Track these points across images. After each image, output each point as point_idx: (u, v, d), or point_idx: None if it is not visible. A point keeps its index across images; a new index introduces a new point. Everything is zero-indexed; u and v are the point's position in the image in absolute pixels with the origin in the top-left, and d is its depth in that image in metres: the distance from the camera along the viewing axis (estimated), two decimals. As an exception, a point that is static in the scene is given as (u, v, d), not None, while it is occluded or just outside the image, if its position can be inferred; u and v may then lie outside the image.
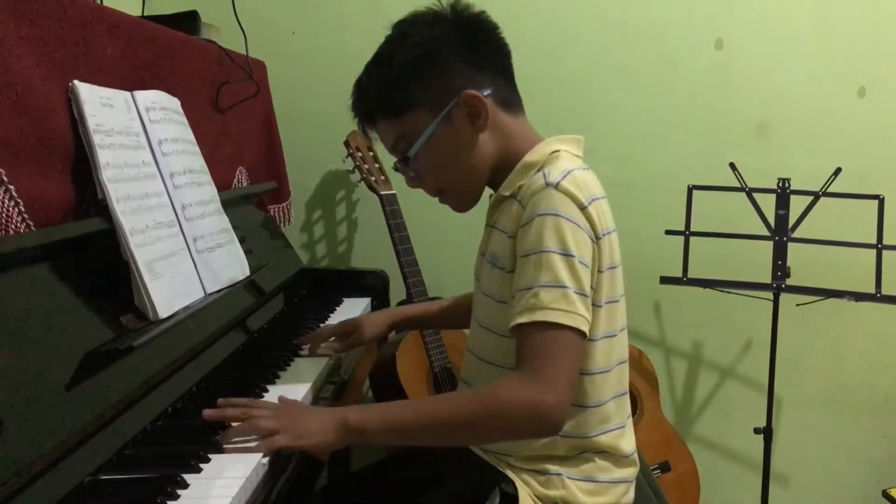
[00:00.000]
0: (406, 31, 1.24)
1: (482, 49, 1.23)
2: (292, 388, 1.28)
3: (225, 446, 1.06)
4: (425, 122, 1.21)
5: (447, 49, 1.20)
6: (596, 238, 1.14)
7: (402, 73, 1.20)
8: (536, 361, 1.08)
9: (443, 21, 1.23)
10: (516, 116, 1.26)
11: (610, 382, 1.22)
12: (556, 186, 1.12)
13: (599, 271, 1.16)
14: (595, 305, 1.16)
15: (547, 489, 1.20)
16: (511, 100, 1.25)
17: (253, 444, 1.06)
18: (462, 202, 1.29)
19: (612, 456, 1.23)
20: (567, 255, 1.10)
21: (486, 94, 1.20)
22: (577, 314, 1.09)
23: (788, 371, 2.32)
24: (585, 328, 1.10)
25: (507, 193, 1.22)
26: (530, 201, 1.14)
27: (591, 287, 1.14)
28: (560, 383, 1.07)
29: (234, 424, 1.10)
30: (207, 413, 1.11)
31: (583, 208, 1.12)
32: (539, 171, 1.18)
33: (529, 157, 1.21)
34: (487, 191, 1.30)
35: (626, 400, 1.27)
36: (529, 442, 1.21)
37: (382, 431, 1.12)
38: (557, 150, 1.21)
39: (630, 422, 1.29)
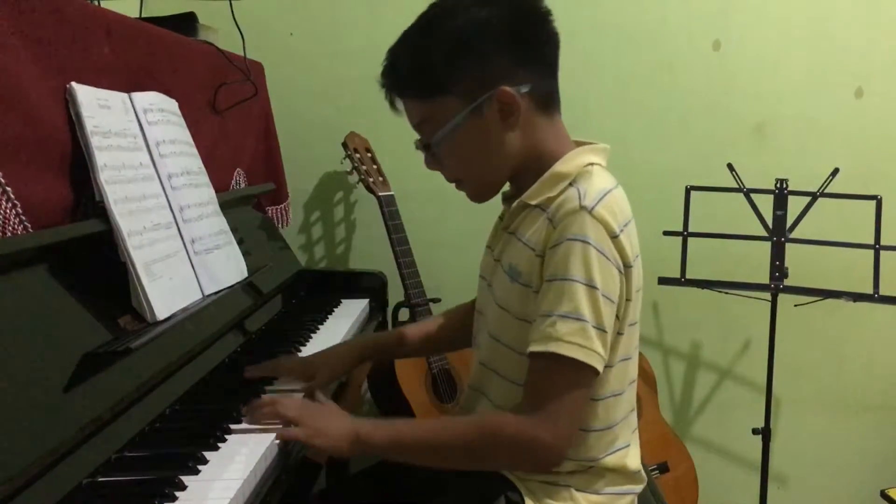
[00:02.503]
0: (453, 6, 1.14)
1: (529, 41, 1.14)
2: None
3: (244, 421, 1.14)
4: (454, 109, 1.13)
5: (491, 37, 1.12)
6: (626, 267, 1.10)
7: (439, 55, 1.12)
8: (542, 396, 1.08)
9: (493, 3, 1.13)
10: (551, 117, 1.18)
11: (621, 405, 1.19)
12: (591, 211, 1.07)
13: (627, 299, 1.12)
14: (618, 333, 1.13)
15: (554, 500, 1.18)
16: (549, 99, 1.17)
17: (271, 427, 1.12)
18: (478, 194, 1.23)
19: (621, 473, 1.22)
20: (591, 286, 1.06)
21: (523, 91, 1.12)
22: (592, 350, 1.06)
23: (787, 371, 2.32)
24: (599, 366, 1.07)
25: (534, 203, 1.15)
26: (562, 222, 1.08)
27: (617, 317, 1.11)
28: (562, 422, 1.08)
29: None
30: (245, 410, 1.18)
31: (614, 237, 1.08)
32: (572, 185, 1.12)
33: (560, 166, 1.14)
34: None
35: (634, 416, 1.25)
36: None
37: (387, 447, 1.15)
38: (591, 164, 1.16)
39: (636, 436, 1.26)
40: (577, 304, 1.05)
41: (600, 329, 1.06)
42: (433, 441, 1.14)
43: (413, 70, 1.15)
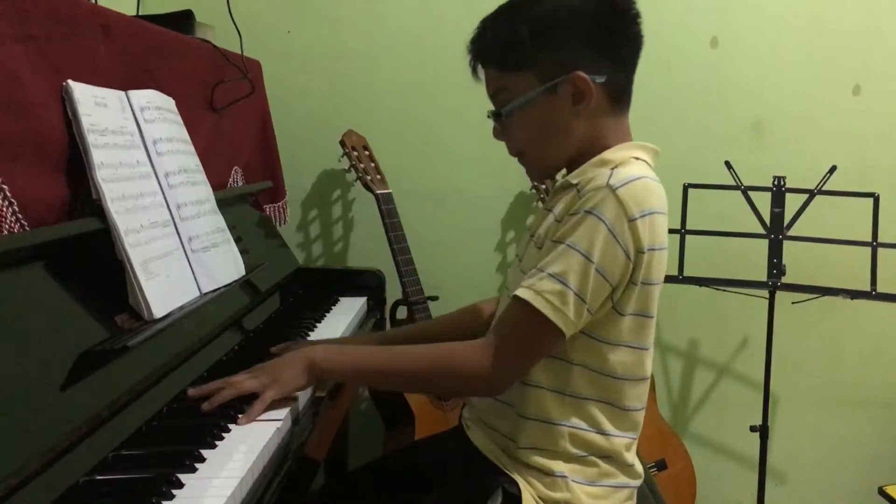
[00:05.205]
0: None
1: (613, 35, 1.20)
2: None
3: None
4: (530, 85, 1.19)
5: (577, 24, 1.18)
6: (637, 252, 1.12)
7: (525, 33, 1.18)
8: (507, 337, 1.16)
9: None
10: (619, 114, 1.23)
11: (630, 392, 1.22)
12: (615, 190, 1.11)
13: (633, 283, 1.14)
14: (619, 313, 1.16)
15: (552, 491, 1.20)
16: (622, 95, 1.23)
17: (256, 415, 1.14)
18: (536, 172, 1.30)
19: (617, 462, 1.24)
20: (588, 258, 1.10)
21: (598, 81, 1.17)
22: (563, 313, 1.11)
23: (784, 369, 2.32)
24: (566, 329, 1.12)
25: (574, 181, 1.19)
26: (586, 196, 1.13)
27: (613, 300, 1.15)
28: (515, 366, 1.17)
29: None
30: (192, 392, 1.18)
31: (631, 220, 1.11)
32: (610, 169, 1.16)
33: (609, 154, 1.19)
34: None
35: (642, 417, 1.27)
36: (534, 430, 1.21)
37: (348, 372, 1.25)
38: (637, 158, 1.20)
39: (637, 441, 1.29)
40: (567, 269, 1.11)
41: (580, 298, 1.11)
42: (389, 369, 1.23)
43: (499, 43, 1.21)
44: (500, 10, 1.23)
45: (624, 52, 1.22)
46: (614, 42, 1.21)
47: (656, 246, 1.15)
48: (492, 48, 1.22)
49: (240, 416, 1.14)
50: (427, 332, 1.52)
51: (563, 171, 1.27)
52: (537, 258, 1.18)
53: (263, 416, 1.16)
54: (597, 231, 1.10)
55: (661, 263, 1.18)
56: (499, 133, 1.27)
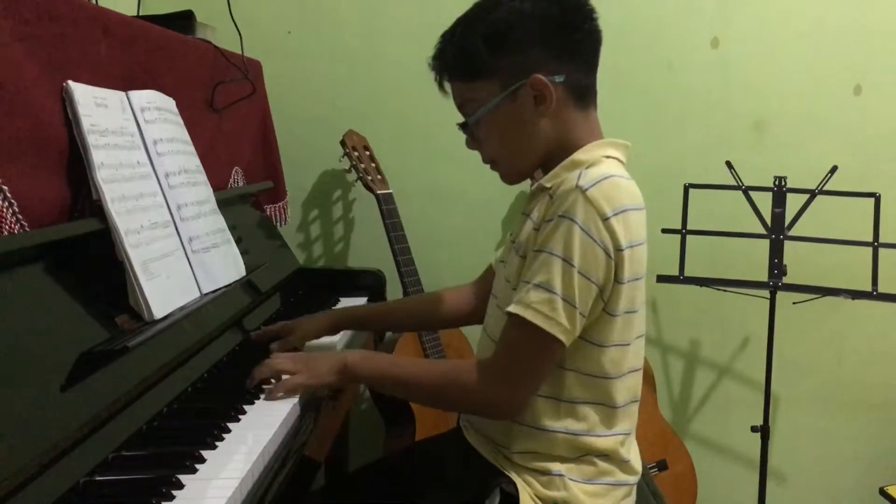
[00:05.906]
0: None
1: (568, 35, 1.22)
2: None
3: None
4: (493, 92, 1.21)
5: (532, 27, 1.20)
6: (616, 250, 1.13)
7: (481, 42, 1.20)
8: (506, 355, 1.18)
9: None
10: (585, 110, 1.25)
11: (620, 388, 1.22)
12: (585, 191, 1.12)
13: (619, 282, 1.15)
14: (610, 314, 1.17)
15: (549, 490, 1.20)
16: (584, 92, 1.25)
17: (280, 392, 1.24)
18: (509, 176, 1.30)
19: (614, 460, 1.24)
20: (568, 262, 1.11)
21: (557, 81, 1.19)
22: (556, 321, 1.12)
23: (785, 369, 2.32)
24: (563, 337, 1.13)
25: (548, 185, 1.21)
26: (558, 200, 1.14)
27: (603, 299, 1.16)
28: (519, 383, 1.17)
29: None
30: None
31: (605, 219, 1.12)
32: (579, 170, 1.17)
33: (580, 154, 1.20)
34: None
35: (636, 409, 1.27)
36: (527, 437, 1.21)
37: (370, 379, 1.33)
38: (608, 156, 1.21)
39: (634, 434, 1.29)
40: (551, 277, 1.12)
41: (569, 303, 1.12)
42: (408, 380, 1.27)
43: (458, 55, 1.24)
44: (457, 24, 1.26)
45: (581, 50, 1.24)
46: (569, 41, 1.22)
47: (634, 242, 1.16)
48: (453, 61, 1.25)
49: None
50: (425, 301, 1.60)
51: (539, 171, 1.28)
52: (520, 268, 1.19)
53: (261, 418, 1.16)
54: (571, 234, 1.11)
55: (642, 258, 1.20)
56: (471, 143, 1.29)
